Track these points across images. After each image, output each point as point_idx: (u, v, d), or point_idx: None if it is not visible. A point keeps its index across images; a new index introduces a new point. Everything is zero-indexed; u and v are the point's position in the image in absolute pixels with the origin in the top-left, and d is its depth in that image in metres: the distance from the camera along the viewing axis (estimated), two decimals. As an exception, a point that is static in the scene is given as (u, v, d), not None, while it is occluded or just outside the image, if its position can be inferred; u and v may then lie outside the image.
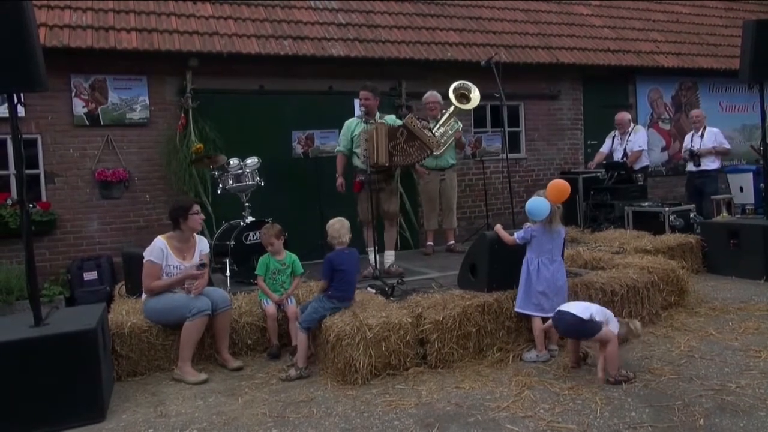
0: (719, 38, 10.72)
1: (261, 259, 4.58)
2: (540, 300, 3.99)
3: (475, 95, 6.78)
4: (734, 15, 11.52)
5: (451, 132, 6.80)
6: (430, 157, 6.75)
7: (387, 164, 5.58)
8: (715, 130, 8.04)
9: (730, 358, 3.83)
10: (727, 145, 7.97)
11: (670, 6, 11.20)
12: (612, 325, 3.59)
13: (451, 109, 6.77)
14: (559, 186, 4.01)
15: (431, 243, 7.15)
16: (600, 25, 9.92)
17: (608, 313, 3.67)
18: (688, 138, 8.32)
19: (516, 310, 4.14)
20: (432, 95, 6.94)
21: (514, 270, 4.16)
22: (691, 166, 8.10)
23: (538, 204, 3.92)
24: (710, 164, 7.93)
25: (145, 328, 4.16)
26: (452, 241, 7.10)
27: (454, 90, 6.77)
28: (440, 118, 6.79)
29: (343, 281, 4.12)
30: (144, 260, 4.21)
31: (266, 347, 4.44)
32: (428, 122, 6.01)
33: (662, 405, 3.20)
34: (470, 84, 6.82)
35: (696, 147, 7.98)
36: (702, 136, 8.01)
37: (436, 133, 6.67)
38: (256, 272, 4.55)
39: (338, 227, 4.20)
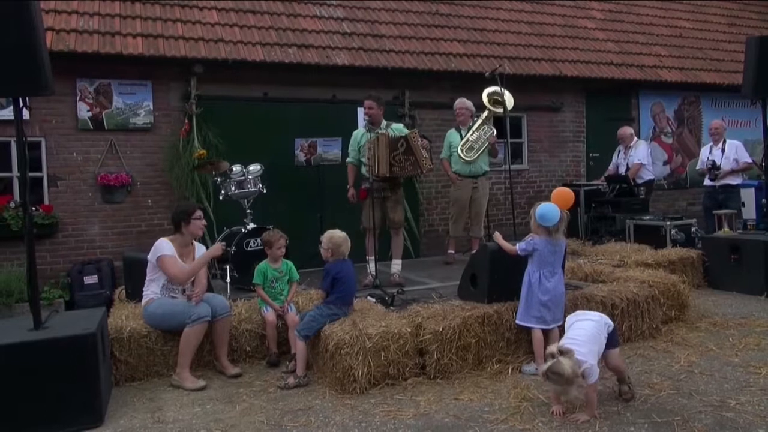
0: (722, 53, 10.76)
1: (258, 267, 4.54)
2: (542, 312, 3.98)
3: (508, 97, 6.74)
4: (737, 31, 11.57)
5: (484, 137, 6.81)
6: (465, 164, 6.83)
7: (388, 174, 5.64)
8: (736, 143, 7.71)
9: (730, 374, 3.81)
10: (748, 159, 7.63)
11: (674, 21, 11.25)
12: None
13: (485, 114, 6.77)
14: (564, 193, 4.03)
15: (453, 251, 7.10)
16: (603, 38, 9.96)
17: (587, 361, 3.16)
18: (705, 151, 7.99)
19: (517, 322, 4.13)
20: (462, 102, 6.91)
21: (515, 281, 4.15)
22: (708, 181, 7.75)
23: (550, 209, 3.88)
24: (734, 178, 7.60)
25: (144, 333, 4.16)
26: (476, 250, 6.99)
27: (489, 96, 6.78)
28: (473, 124, 6.83)
29: (343, 289, 4.14)
30: (158, 258, 4.16)
31: (265, 354, 4.43)
32: (430, 143, 6.09)
33: (661, 420, 3.19)
34: (503, 90, 6.77)
35: (718, 161, 7.61)
36: (723, 149, 7.65)
37: (470, 138, 6.79)
38: (253, 281, 4.52)
39: (344, 249, 4.17)
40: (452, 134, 7.01)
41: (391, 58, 7.81)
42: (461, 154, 6.80)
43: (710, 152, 7.85)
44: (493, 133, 6.85)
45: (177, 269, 4.18)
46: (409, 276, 6.21)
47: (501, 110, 6.76)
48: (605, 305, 4.48)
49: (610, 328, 3.41)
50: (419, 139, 5.75)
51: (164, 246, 4.22)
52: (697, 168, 8.35)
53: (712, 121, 8.62)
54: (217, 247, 4.43)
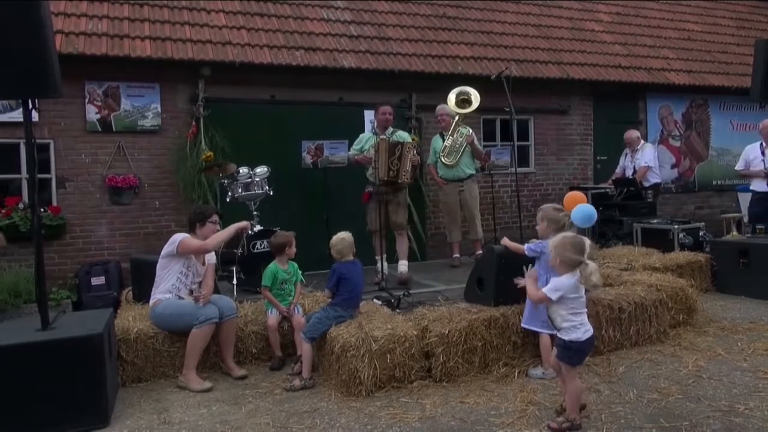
0: (731, 56, 10.70)
1: (268, 269, 4.48)
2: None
3: (475, 95, 6.80)
4: (746, 34, 11.50)
5: (461, 139, 6.84)
6: (447, 168, 6.92)
7: (386, 178, 5.73)
8: None
9: (739, 379, 3.78)
10: None
11: (682, 23, 11.20)
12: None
13: (456, 117, 6.82)
14: (576, 198, 4.02)
15: (458, 255, 7.17)
16: (611, 41, 9.93)
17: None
18: (752, 150, 7.27)
19: (523, 326, 4.11)
20: (443, 108, 7.03)
21: (522, 285, 4.13)
22: (763, 185, 7.02)
23: (589, 210, 3.88)
24: None
25: (151, 334, 4.17)
26: (480, 251, 7.02)
27: (456, 97, 6.83)
28: (449, 131, 6.88)
29: (348, 290, 4.14)
30: (180, 242, 4.21)
31: (271, 356, 4.43)
32: (420, 159, 6.42)
33: (669, 425, 3.17)
34: (468, 88, 6.86)
35: None
36: None
37: (447, 144, 6.87)
38: (263, 284, 4.46)
39: (341, 248, 4.22)
40: (436, 140, 7.18)
41: (398, 61, 7.82)
42: (442, 159, 6.94)
43: (763, 154, 7.17)
44: (468, 132, 6.92)
45: (202, 241, 4.28)
46: (415, 279, 6.22)
47: (469, 110, 6.81)
48: (612, 309, 4.45)
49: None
50: (413, 152, 5.96)
51: (181, 234, 4.33)
52: (737, 168, 7.62)
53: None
54: (245, 222, 4.64)
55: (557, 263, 3.14)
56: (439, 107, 7.08)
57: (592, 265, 3.08)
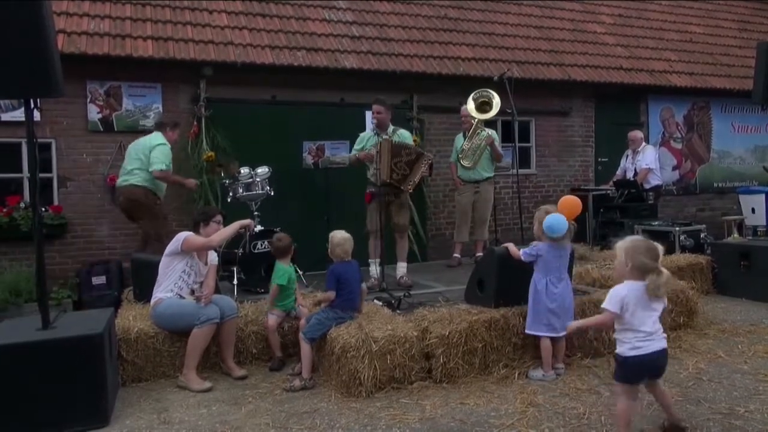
0: (733, 59, 10.69)
1: (281, 269, 4.42)
2: (551, 320, 3.95)
3: (496, 100, 6.73)
4: (748, 36, 11.50)
5: (478, 142, 6.85)
6: (465, 170, 6.93)
7: (388, 180, 5.70)
8: None
9: (739, 382, 3.78)
10: None
11: (684, 26, 11.20)
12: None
13: (474, 122, 6.80)
14: (571, 202, 3.99)
15: (458, 255, 7.17)
16: (613, 43, 9.93)
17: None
18: None
19: (526, 331, 4.09)
20: (465, 109, 6.95)
21: (522, 286, 4.13)
22: None
23: (558, 220, 3.85)
24: None
25: (151, 334, 4.17)
26: (480, 253, 7.00)
27: (474, 101, 6.77)
28: (469, 133, 6.88)
29: (347, 291, 4.14)
30: (184, 240, 4.24)
31: (271, 357, 4.43)
32: (431, 174, 6.63)
33: (669, 427, 3.16)
34: (488, 90, 6.78)
35: None
36: None
37: (465, 147, 6.89)
38: (278, 282, 4.37)
39: (348, 248, 4.21)
40: (458, 139, 7.18)
41: (400, 62, 7.83)
42: (461, 162, 6.94)
43: None
44: (488, 134, 6.89)
45: (206, 238, 4.32)
46: (416, 280, 6.21)
47: (488, 115, 6.75)
48: (613, 311, 4.44)
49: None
50: (425, 166, 5.93)
51: (186, 232, 4.36)
52: None
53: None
54: (249, 220, 4.72)
55: (628, 269, 2.83)
56: (463, 107, 7.01)
57: (666, 274, 2.79)
